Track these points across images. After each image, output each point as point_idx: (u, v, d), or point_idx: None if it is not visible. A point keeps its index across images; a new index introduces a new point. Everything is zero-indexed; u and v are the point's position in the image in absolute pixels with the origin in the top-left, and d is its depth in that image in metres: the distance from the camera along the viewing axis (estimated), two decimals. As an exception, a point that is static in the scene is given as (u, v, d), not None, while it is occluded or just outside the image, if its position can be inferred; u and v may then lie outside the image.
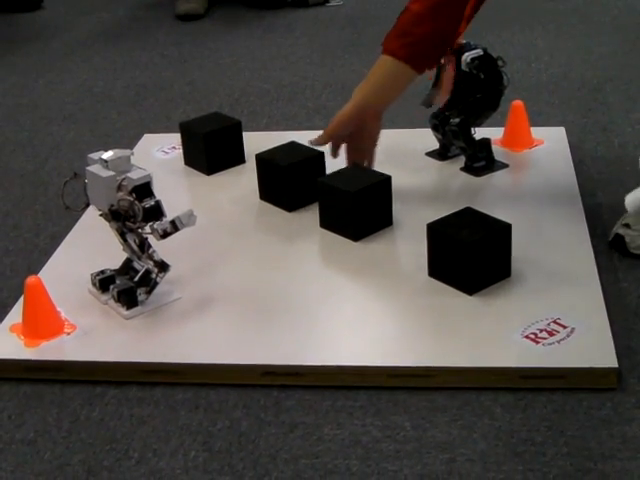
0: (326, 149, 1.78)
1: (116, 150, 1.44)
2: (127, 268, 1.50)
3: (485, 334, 1.36)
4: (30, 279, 1.42)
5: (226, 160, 1.93)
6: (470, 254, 1.43)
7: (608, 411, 1.24)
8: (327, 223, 1.67)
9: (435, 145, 1.91)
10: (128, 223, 1.43)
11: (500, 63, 1.77)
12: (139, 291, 1.46)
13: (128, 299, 1.45)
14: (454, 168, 1.86)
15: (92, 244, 1.65)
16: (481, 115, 1.81)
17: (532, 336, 1.34)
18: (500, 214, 1.50)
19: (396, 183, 1.66)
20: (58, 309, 1.44)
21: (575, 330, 1.34)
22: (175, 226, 1.42)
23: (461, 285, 1.45)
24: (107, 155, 1.42)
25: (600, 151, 1.95)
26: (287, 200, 1.74)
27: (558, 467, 1.16)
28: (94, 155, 1.45)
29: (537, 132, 1.95)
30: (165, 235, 1.42)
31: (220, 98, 2.41)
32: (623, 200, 1.59)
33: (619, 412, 1.24)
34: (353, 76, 2.49)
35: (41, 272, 1.59)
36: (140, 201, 1.40)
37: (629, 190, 1.61)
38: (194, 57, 2.75)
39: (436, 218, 1.50)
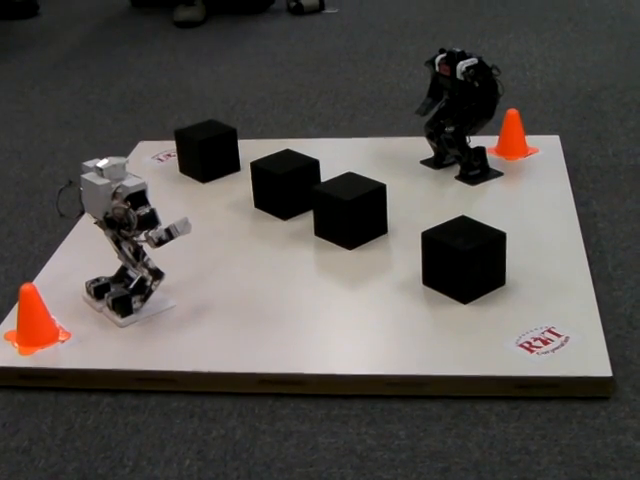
0: (321, 157, 1.78)
1: (111, 158, 1.44)
2: (122, 276, 1.50)
3: (479, 343, 1.36)
4: (25, 286, 1.41)
5: (221, 168, 1.93)
6: (465, 263, 1.43)
7: (602, 420, 1.24)
8: (322, 231, 1.67)
9: (430, 153, 1.91)
10: (123, 231, 1.43)
11: (495, 72, 1.77)
12: (134, 299, 1.46)
13: (123, 307, 1.45)
14: (449, 176, 1.86)
15: (87, 252, 1.65)
16: (476, 123, 1.81)
17: (526, 345, 1.34)
18: (495, 223, 1.50)
19: (391, 191, 1.66)
20: (53, 317, 1.44)
21: (569, 339, 1.34)
22: (170, 234, 1.42)
23: (455, 294, 1.45)
24: (102, 163, 1.42)
25: (594, 159, 1.95)
26: (282, 208, 1.74)
27: (552, 476, 1.16)
28: (89, 163, 1.45)
29: (532, 140, 1.96)
30: (160, 243, 1.42)
31: (215, 105, 2.42)
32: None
33: (613, 421, 1.24)
34: (348, 84, 2.50)
35: (36, 279, 1.59)
36: (135, 209, 1.40)
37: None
38: (189, 64, 2.76)
39: (431, 226, 1.50)
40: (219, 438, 1.26)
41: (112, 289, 1.49)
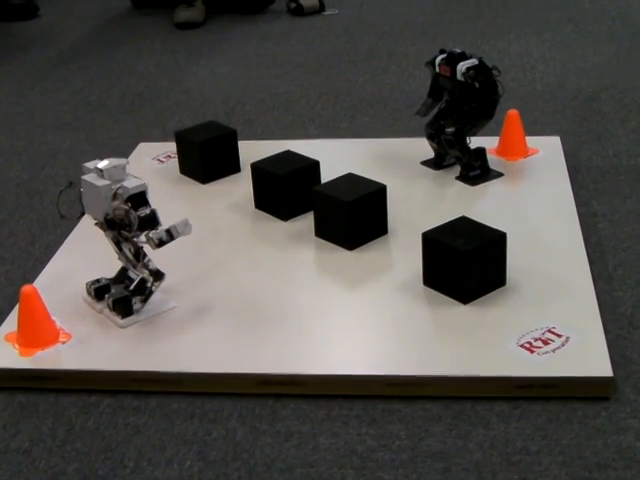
0: (321, 158, 1.78)
1: (111, 159, 1.44)
2: (122, 277, 1.50)
3: (480, 343, 1.36)
4: (25, 288, 1.41)
5: (221, 169, 1.93)
6: (465, 263, 1.43)
7: (603, 420, 1.24)
8: (322, 232, 1.67)
9: (430, 154, 1.91)
10: (123, 232, 1.43)
11: (495, 72, 1.77)
12: (134, 300, 1.46)
13: (123, 308, 1.45)
14: (449, 177, 1.86)
15: (87, 253, 1.65)
16: (476, 124, 1.81)
17: (527, 345, 1.34)
18: (495, 223, 1.50)
19: (391, 192, 1.66)
20: (53, 318, 1.44)
21: (570, 339, 1.34)
22: (170, 235, 1.42)
23: (456, 294, 1.45)
24: (102, 164, 1.42)
25: (595, 160, 1.95)
26: (282, 209, 1.74)
27: (553, 476, 1.16)
28: (89, 164, 1.45)
29: (532, 141, 1.95)
30: (160, 244, 1.42)
31: (215, 107, 2.42)
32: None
33: (614, 421, 1.24)
34: (348, 85, 2.50)
35: (36, 281, 1.59)
36: (135, 210, 1.40)
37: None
38: (190, 66, 2.76)
39: (431, 227, 1.50)
40: (220, 439, 1.26)
41: (112, 290, 1.49)
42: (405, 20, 3.00)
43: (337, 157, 1.93)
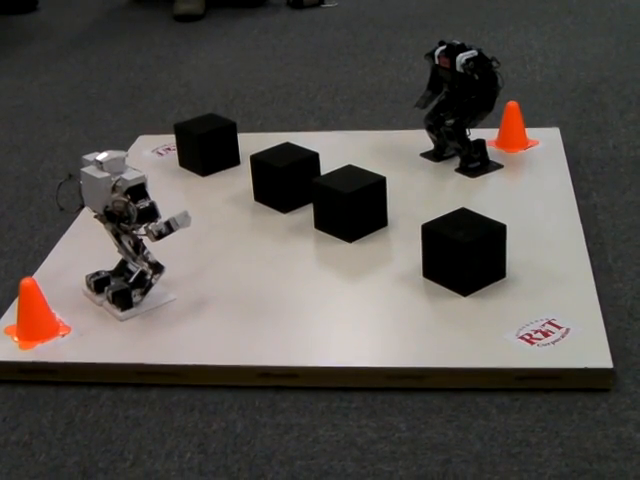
0: (320, 150, 1.78)
1: (111, 151, 1.43)
2: (122, 269, 1.50)
3: (480, 335, 1.36)
4: (25, 281, 1.41)
5: (221, 161, 1.93)
6: (465, 255, 1.43)
7: (603, 412, 1.24)
8: (322, 224, 1.67)
9: (430, 146, 1.91)
10: (123, 224, 1.43)
11: (495, 64, 1.77)
12: (134, 292, 1.46)
13: (123, 300, 1.45)
14: (449, 169, 1.86)
15: (87, 246, 1.65)
16: (476, 116, 1.81)
17: (527, 337, 1.34)
18: (495, 215, 1.50)
19: (391, 184, 1.66)
20: (53, 311, 1.44)
21: (570, 331, 1.34)
22: (170, 227, 1.42)
23: (456, 286, 1.45)
24: (102, 156, 1.42)
25: (595, 152, 1.95)
26: (282, 201, 1.74)
27: (553, 468, 1.16)
28: (89, 156, 1.44)
29: (532, 133, 1.95)
30: (160, 236, 1.41)
31: (215, 99, 2.42)
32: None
33: (614, 413, 1.24)
34: (348, 77, 2.50)
35: (36, 274, 1.59)
36: (135, 202, 1.40)
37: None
38: (189, 58, 2.76)
39: (431, 219, 1.50)
40: (220, 431, 1.26)
41: (112, 283, 1.48)
42: (404, 12, 3.00)
43: (336, 149, 1.93)
